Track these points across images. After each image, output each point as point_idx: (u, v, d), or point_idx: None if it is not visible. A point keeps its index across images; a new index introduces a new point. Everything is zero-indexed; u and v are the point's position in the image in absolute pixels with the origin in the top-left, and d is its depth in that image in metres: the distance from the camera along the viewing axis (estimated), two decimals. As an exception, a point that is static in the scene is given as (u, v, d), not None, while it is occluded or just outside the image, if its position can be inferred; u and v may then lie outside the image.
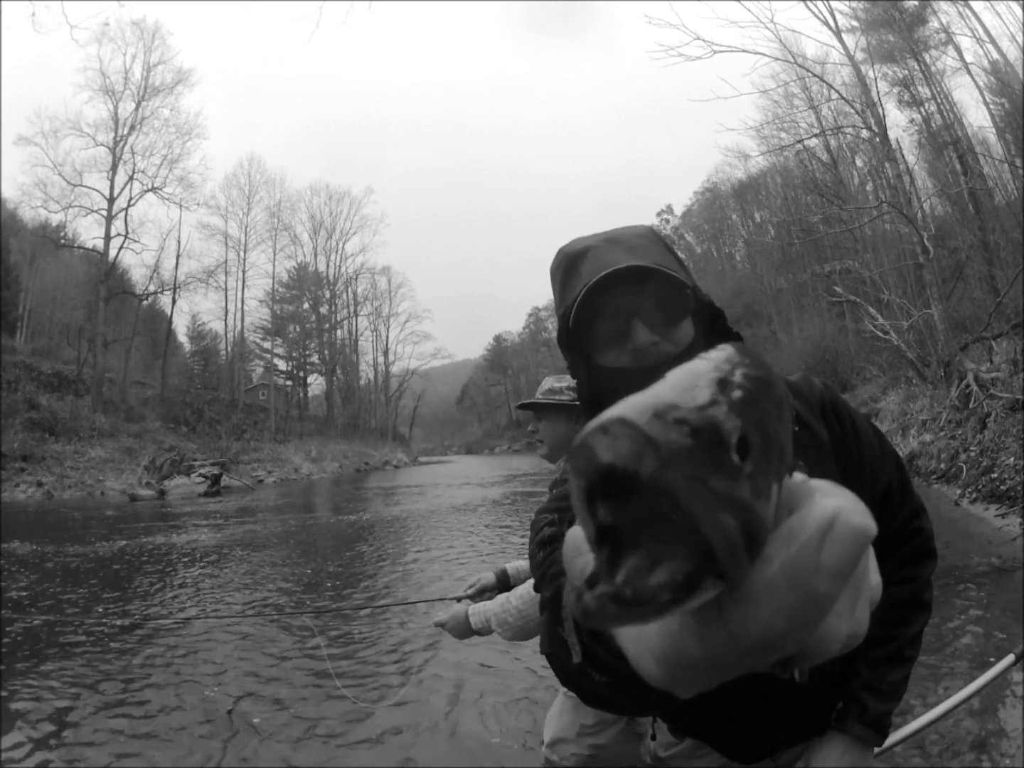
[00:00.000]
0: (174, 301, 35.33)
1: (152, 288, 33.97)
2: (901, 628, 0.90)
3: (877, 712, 0.87)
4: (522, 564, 1.86)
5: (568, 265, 0.79)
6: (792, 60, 17.18)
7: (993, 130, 20.48)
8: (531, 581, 1.49)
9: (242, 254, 41.00)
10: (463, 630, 1.61)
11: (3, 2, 18.70)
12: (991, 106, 20.29)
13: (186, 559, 7.95)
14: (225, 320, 42.18)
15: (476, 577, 1.88)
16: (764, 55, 15.62)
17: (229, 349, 43.44)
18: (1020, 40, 17.45)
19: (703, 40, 14.23)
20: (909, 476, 0.94)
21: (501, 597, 1.58)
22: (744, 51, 15.07)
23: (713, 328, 0.81)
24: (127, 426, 26.50)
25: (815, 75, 17.51)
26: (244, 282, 41.58)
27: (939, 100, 21.59)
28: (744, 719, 0.84)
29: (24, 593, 6.07)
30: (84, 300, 31.47)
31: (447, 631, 1.66)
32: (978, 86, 20.41)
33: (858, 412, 0.91)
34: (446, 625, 1.66)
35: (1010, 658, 1.34)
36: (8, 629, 4.69)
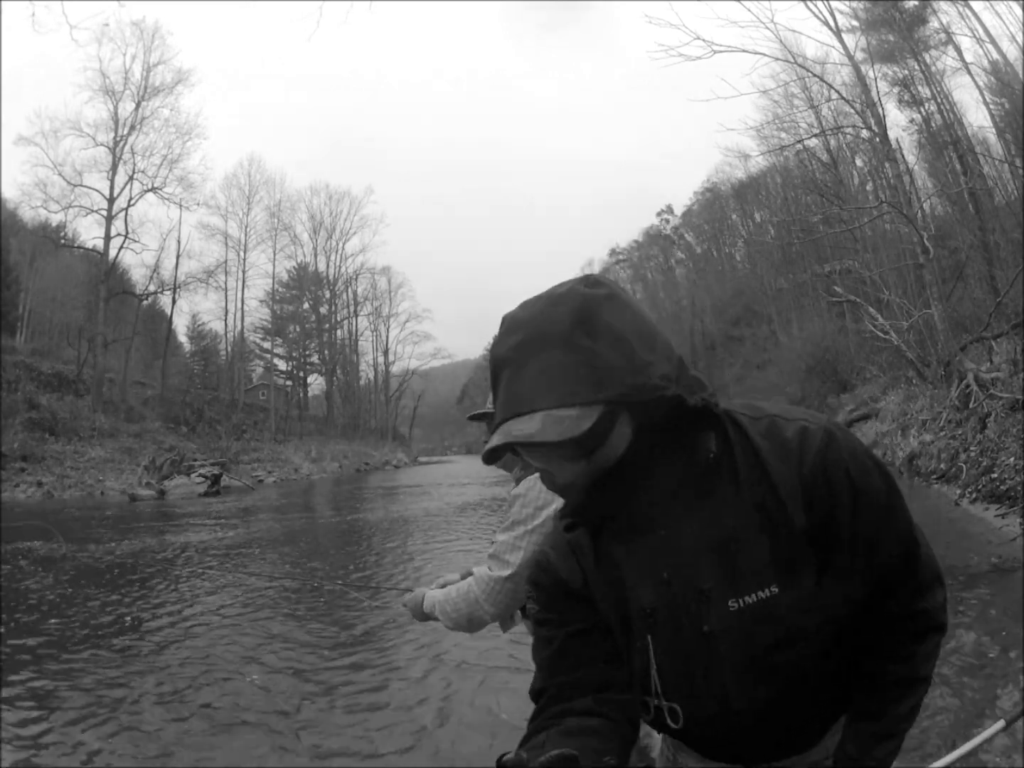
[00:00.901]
0: (174, 301, 35.34)
1: (152, 288, 33.93)
2: (893, 705, 0.84)
3: None
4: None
5: (492, 375, 0.74)
6: (792, 60, 17.14)
7: (993, 130, 20.47)
8: (471, 578, 1.63)
9: (242, 254, 41.00)
10: (419, 612, 1.76)
11: (3, 2, 18.68)
12: (991, 106, 20.29)
13: (195, 558, 7.95)
14: (225, 320, 42.21)
15: (444, 576, 1.99)
16: (764, 55, 15.57)
17: (229, 349, 43.46)
18: (1020, 40, 17.46)
19: (703, 40, 14.17)
20: (921, 545, 0.82)
21: (449, 587, 1.70)
22: (744, 51, 15.03)
23: (679, 383, 0.71)
24: (127, 426, 26.49)
25: (815, 75, 17.47)
26: (244, 282, 41.57)
27: (939, 100, 21.57)
28: (731, 737, 0.82)
29: (36, 592, 6.04)
30: (84, 300, 31.38)
31: (408, 610, 1.82)
32: (978, 86, 20.41)
33: (865, 468, 0.75)
34: (407, 604, 1.81)
35: (1000, 724, 1.25)
36: (20, 629, 4.70)
